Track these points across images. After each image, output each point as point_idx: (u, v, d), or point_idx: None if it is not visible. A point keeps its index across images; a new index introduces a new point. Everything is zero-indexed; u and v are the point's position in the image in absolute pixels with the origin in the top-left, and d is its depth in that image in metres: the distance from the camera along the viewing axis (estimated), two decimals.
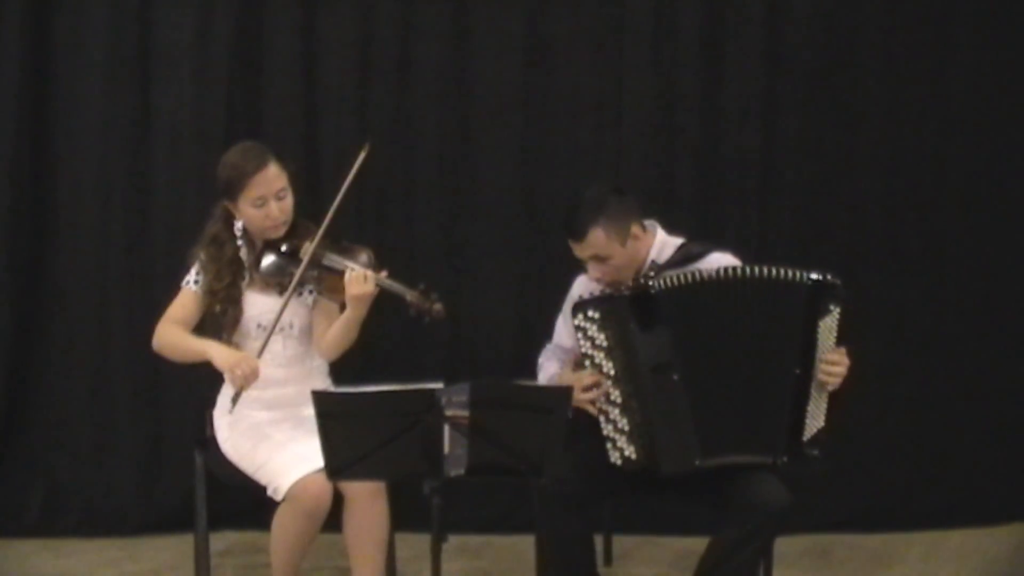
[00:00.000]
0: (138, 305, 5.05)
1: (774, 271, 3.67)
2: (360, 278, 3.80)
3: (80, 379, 5.15)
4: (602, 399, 3.74)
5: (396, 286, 3.82)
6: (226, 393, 3.99)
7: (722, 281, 3.68)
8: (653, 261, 3.85)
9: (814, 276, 3.67)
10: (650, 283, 3.71)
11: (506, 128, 5.05)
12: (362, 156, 3.93)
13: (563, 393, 3.36)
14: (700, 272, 3.70)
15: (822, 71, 4.98)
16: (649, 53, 5.00)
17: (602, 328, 3.72)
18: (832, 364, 3.68)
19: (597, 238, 3.76)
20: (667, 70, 5.00)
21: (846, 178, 5.02)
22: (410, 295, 3.79)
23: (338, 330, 3.92)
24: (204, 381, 4.14)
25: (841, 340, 3.70)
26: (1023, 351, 5.02)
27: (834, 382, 3.69)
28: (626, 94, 5.03)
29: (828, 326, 3.68)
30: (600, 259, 3.79)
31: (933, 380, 5.02)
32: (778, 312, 3.67)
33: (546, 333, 4.13)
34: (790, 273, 3.67)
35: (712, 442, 3.66)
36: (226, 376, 3.88)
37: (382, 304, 3.90)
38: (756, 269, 3.70)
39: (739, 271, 3.70)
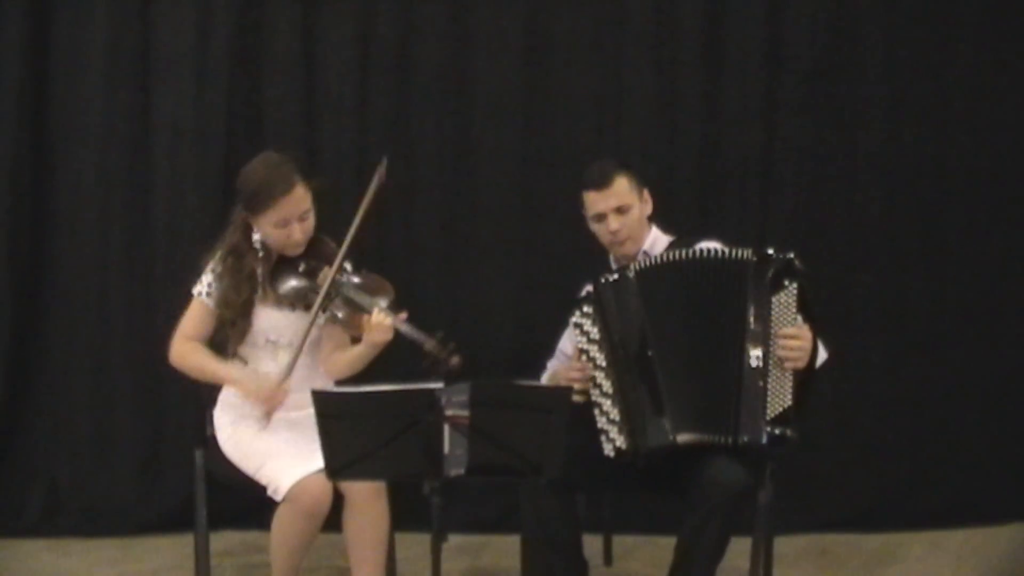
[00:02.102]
0: (138, 305, 5.07)
1: (726, 250, 3.74)
2: (383, 325, 3.74)
3: (80, 379, 5.15)
4: (596, 392, 3.77)
5: (416, 334, 3.73)
6: (228, 393, 4.00)
7: (681, 262, 3.75)
8: (645, 252, 3.95)
9: (764, 252, 3.68)
10: (628, 267, 3.80)
11: (506, 128, 5.05)
12: (380, 172, 3.85)
13: (563, 393, 3.36)
14: (666, 254, 3.82)
15: (822, 71, 4.98)
16: (649, 53, 5.00)
17: (594, 321, 3.78)
18: (790, 340, 3.65)
19: (622, 185, 3.94)
20: (667, 70, 5.00)
21: (846, 178, 5.01)
22: (429, 344, 3.68)
23: (348, 361, 3.92)
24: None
25: (804, 316, 3.67)
26: (1023, 351, 5.02)
27: (794, 358, 3.65)
28: (626, 94, 5.03)
29: (783, 302, 3.66)
30: (622, 211, 3.92)
31: (933, 380, 5.02)
32: (731, 290, 3.69)
33: (545, 333, 4.14)
34: (740, 252, 3.71)
35: (680, 419, 3.69)
36: (255, 403, 3.87)
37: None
38: (710, 249, 3.76)
39: (694, 252, 3.76)
